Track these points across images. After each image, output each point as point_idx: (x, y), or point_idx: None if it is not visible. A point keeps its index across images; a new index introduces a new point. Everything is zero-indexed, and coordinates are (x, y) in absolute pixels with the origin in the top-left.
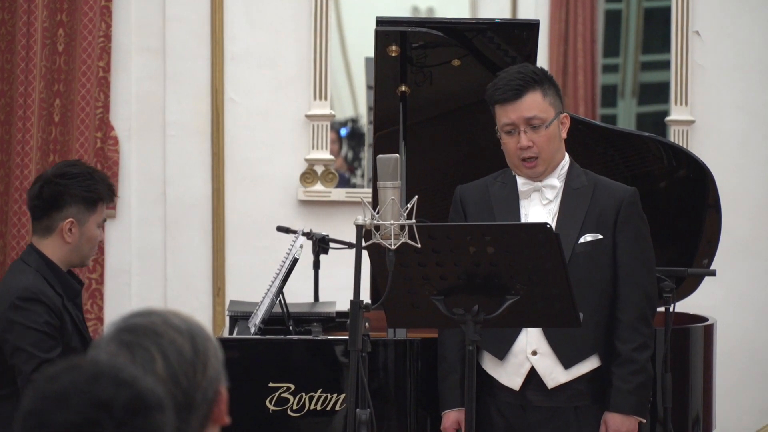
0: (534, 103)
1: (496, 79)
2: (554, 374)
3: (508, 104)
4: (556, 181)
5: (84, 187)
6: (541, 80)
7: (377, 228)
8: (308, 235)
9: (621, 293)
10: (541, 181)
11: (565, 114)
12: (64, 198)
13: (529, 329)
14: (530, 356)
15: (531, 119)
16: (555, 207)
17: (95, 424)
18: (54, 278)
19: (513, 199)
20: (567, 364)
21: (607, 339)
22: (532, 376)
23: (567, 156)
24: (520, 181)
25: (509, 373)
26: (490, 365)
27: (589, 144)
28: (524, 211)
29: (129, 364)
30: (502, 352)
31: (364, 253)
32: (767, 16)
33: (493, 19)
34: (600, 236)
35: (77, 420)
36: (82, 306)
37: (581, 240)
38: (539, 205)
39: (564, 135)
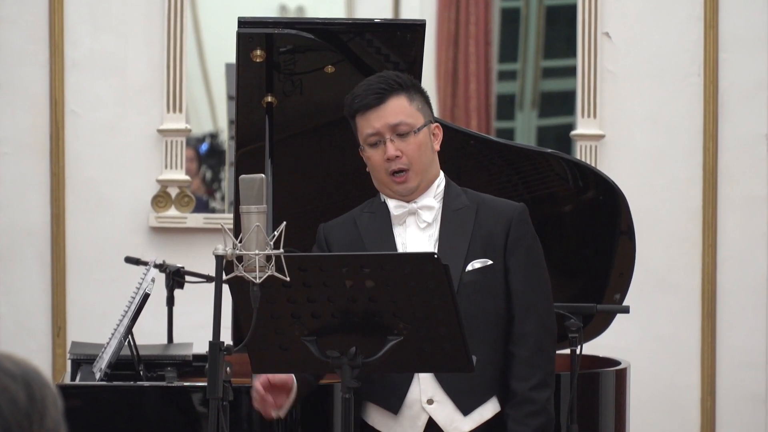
0: (399, 108)
1: (353, 89)
2: (455, 423)
3: (370, 111)
4: (432, 201)
5: None
6: (406, 85)
7: (240, 259)
8: (161, 267)
9: (515, 325)
10: (415, 202)
11: (436, 124)
12: None
13: (421, 375)
14: (426, 406)
15: (397, 125)
16: (435, 231)
17: None
18: None
19: (385, 228)
20: (465, 410)
21: (505, 379)
22: (431, 427)
23: (442, 174)
24: (392, 204)
25: (405, 428)
26: (381, 421)
27: (483, 162)
28: (400, 240)
29: None
30: (396, 405)
31: (225, 288)
32: (685, 16)
33: (373, 20)
34: (490, 261)
35: None
36: None
37: (469, 267)
38: (417, 230)
39: (437, 147)
